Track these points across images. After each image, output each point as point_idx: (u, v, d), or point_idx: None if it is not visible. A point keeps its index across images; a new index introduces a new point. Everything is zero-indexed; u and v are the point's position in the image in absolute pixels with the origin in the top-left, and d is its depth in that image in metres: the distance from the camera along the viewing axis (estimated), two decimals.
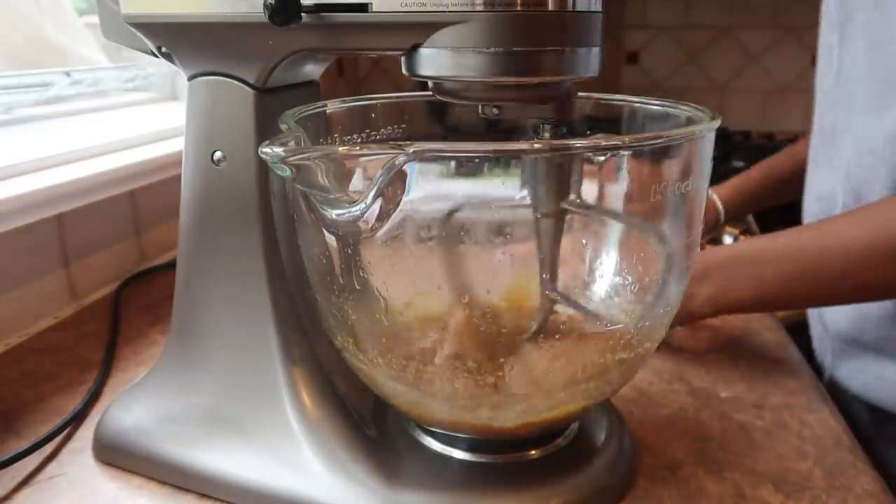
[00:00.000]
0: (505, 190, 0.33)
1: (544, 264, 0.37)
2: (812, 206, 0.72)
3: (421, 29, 0.33)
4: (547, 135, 0.37)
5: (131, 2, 0.39)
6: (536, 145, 0.33)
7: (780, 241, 0.55)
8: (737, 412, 0.50)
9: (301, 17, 0.34)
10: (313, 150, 0.31)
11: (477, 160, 0.33)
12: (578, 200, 0.36)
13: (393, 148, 0.29)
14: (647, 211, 0.35)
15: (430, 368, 0.37)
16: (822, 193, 0.69)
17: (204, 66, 0.40)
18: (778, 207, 1.30)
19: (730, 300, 0.54)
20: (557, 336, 0.38)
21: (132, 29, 0.40)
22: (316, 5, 0.34)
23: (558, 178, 0.36)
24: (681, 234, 0.37)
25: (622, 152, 0.33)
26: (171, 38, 0.40)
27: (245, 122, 0.39)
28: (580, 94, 0.48)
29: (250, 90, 0.39)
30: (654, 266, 0.37)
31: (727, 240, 1.03)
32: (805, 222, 0.77)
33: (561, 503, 0.38)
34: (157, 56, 0.42)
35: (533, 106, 0.36)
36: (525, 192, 0.36)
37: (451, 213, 0.36)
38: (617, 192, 0.34)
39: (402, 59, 0.35)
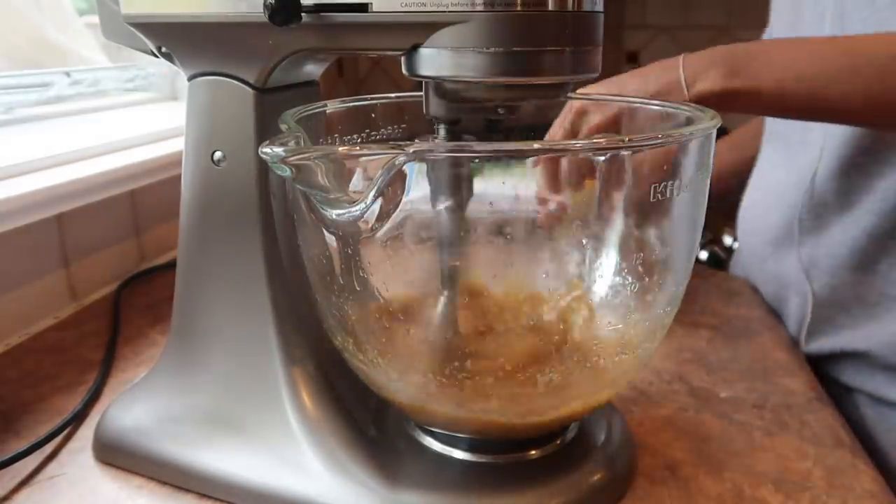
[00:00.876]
0: (505, 190, 0.33)
1: (450, 269, 0.37)
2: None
3: (421, 29, 0.33)
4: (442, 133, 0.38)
5: (131, 2, 0.39)
6: (536, 145, 0.33)
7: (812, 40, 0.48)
8: (737, 412, 0.50)
9: (301, 17, 0.34)
10: (313, 150, 0.31)
11: (477, 160, 0.33)
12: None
13: (393, 148, 0.29)
14: (647, 211, 0.35)
15: (431, 370, 0.37)
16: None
17: (204, 66, 0.40)
18: None
19: (745, 82, 0.47)
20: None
21: (132, 29, 0.40)
22: (316, 5, 0.34)
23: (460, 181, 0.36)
24: (681, 234, 0.37)
25: (622, 152, 0.33)
26: (171, 38, 0.40)
27: (245, 122, 0.39)
28: (580, 93, 0.48)
29: (250, 90, 0.39)
30: (654, 266, 0.37)
31: (727, 240, 1.03)
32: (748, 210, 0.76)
33: (561, 503, 0.38)
34: (157, 56, 0.42)
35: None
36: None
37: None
38: (617, 193, 0.34)
39: (402, 59, 0.35)
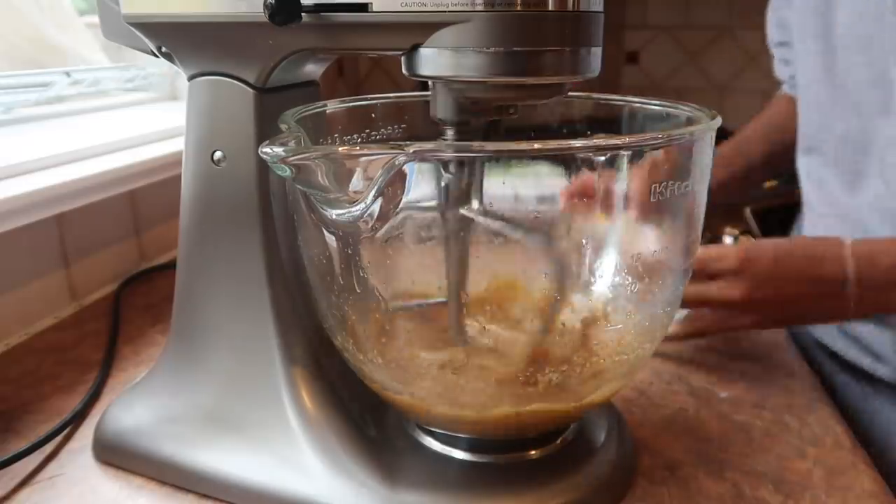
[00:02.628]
0: (505, 190, 0.33)
1: (450, 269, 0.37)
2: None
3: (421, 29, 0.33)
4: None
5: (131, 2, 0.39)
6: (536, 145, 0.33)
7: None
8: (737, 412, 0.50)
9: (301, 17, 0.34)
10: (313, 150, 0.31)
11: (477, 160, 0.33)
12: (480, 207, 0.36)
13: (393, 148, 0.29)
14: (647, 211, 0.35)
15: (431, 371, 0.37)
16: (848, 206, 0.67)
17: (204, 66, 0.40)
18: (779, 207, 1.29)
19: (801, 317, 0.53)
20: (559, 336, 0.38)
21: (132, 29, 0.40)
22: (316, 5, 0.34)
23: (461, 183, 0.36)
24: (681, 234, 0.37)
25: (622, 152, 0.33)
26: (171, 38, 0.40)
27: (245, 122, 0.39)
28: (580, 93, 0.48)
29: (250, 90, 0.39)
30: (654, 266, 0.37)
31: (727, 240, 1.03)
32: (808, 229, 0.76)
33: (561, 503, 0.38)
34: (157, 56, 0.42)
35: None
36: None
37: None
38: (617, 193, 0.34)
39: (403, 59, 0.35)
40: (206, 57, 0.39)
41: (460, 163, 0.35)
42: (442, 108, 0.37)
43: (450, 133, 0.38)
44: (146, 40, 0.41)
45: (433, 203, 0.36)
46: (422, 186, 0.33)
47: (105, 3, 0.43)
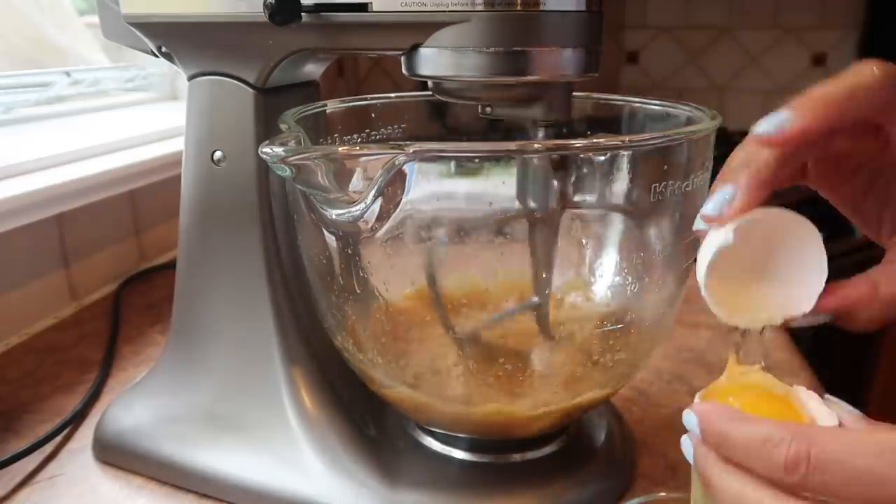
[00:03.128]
0: (505, 189, 0.33)
1: (539, 268, 0.37)
2: None
3: (421, 29, 0.33)
4: (541, 135, 0.37)
5: (131, 2, 0.39)
6: (536, 145, 0.33)
7: None
8: None
9: (301, 17, 0.34)
10: (313, 150, 0.31)
11: (477, 160, 0.33)
12: (576, 200, 0.36)
13: (393, 148, 0.29)
14: (647, 211, 0.35)
15: (431, 371, 0.37)
16: None
17: (204, 66, 0.40)
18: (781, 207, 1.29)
19: None
20: (558, 337, 0.38)
21: (132, 29, 0.40)
22: (316, 5, 0.34)
23: (550, 180, 0.36)
24: (681, 234, 0.37)
25: (622, 152, 0.33)
26: (171, 38, 0.40)
27: (245, 122, 0.39)
28: (580, 93, 0.48)
29: (250, 90, 0.39)
30: (654, 266, 0.37)
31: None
32: None
33: (561, 503, 0.38)
34: (157, 56, 0.42)
35: (527, 106, 0.36)
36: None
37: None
38: (617, 192, 0.34)
39: (402, 58, 0.35)
40: (206, 57, 0.39)
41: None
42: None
43: (541, 134, 0.37)
44: (146, 40, 0.41)
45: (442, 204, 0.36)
46: (422, 186, 0.33)
47: (105, 3, 0.43)
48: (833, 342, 1.27)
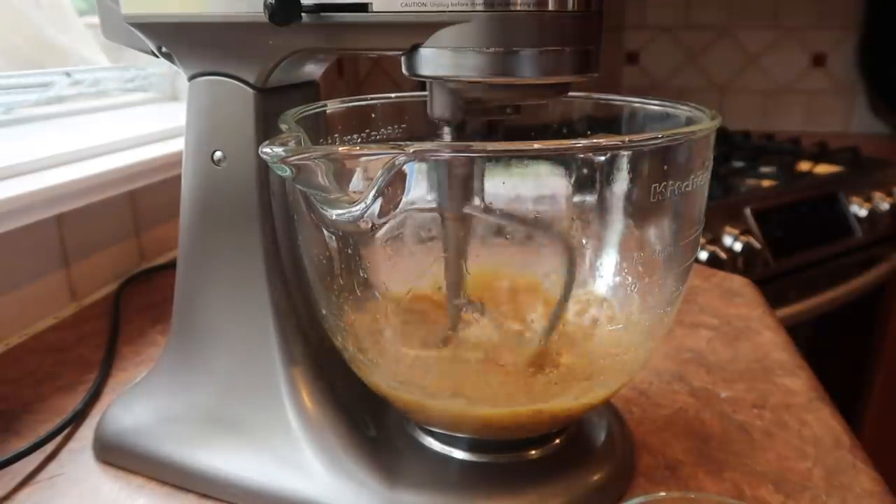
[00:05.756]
0: (505, 190, 0.33)
1: (448, 269, 0.36)
2: None
3: (421, 29, 0.33)
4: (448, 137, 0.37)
5: (131, 2, 0.39)
6: (536, 145, 0.33)
7: None
8: (737, 412, 0.50)
9: (301, 17, 0.34)
10: (313, 150, 0.31)
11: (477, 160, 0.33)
12: (482, 205, 0.36)
13: (393, 148, 0.29)
14: (647, 211, 0.35)
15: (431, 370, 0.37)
16: None
17: (204, 66, 0.40)
18: (779, 207, 1.29)
19: None
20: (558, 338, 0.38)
21: (132, 29, 0.40)
22: (316, 5, 0.34)
23: (462, 182, 0.36)
24: (681, 234, 0.37)
25: (622, 152, 0.33)
26: (171, 38, 0.40)
27: (245, 122, 0.39)
28: (579, 93, 0.48)
29: (250, 90, 0.39)
30: (654, 266, 0.37)
31: (727, 240, 1.03)
32: None
33: (561, 503, 0.38)
34: (157, 56, 0.42)
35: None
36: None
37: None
38: (617, 193, 0.34)
39: (403, 59, 0.35)
40: (206, 57, 0.39)
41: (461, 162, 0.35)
42: (440, 107, 0.37)
43: (447, 133, 0.38)
44: (146, 40, 0.41)
45: (434, 203, 0.36)
46: (422, 186, 0.33)
47: (105, 3, 0.43)
48: (833, 341, 1.27)
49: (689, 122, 0.39)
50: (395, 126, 0.46)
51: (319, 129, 0.43)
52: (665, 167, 0.34)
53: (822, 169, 1.44)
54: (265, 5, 0.34)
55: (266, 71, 0.38)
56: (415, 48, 0.34)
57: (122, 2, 0.39)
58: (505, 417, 0.37)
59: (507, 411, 0.37)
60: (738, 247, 1.15)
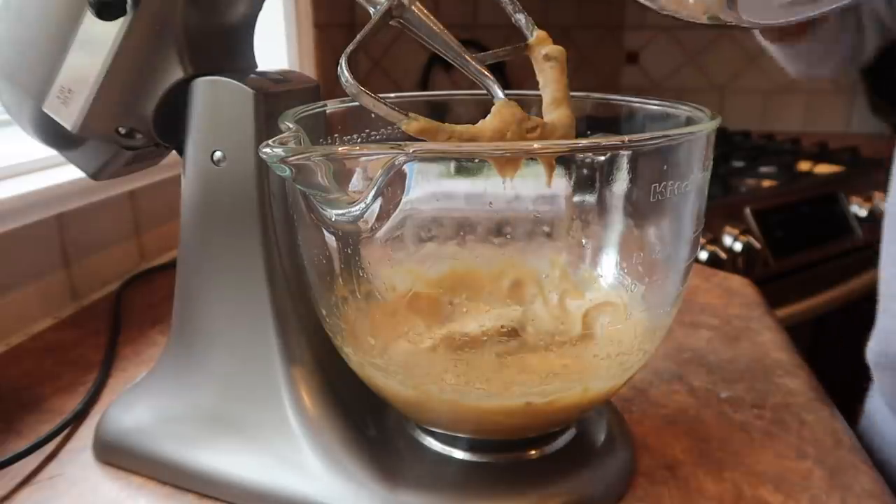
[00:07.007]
0: (505, 190, 0.33)
1: None
2: None
3: None
4: None
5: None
6: (536, 145, 0.33)
7: None
8: (737, 412, 0.50)
9: (126, 11, 0.34)
10: (313, 150, 0.31)
11: (477, 160, 0.33)
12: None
13: (393, 148, 0.29)
14: (646, 211, 0.35)
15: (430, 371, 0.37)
16: None
17: (204, 66, 0.40)
18: (779, 207, 1.29)
19: None
20: (558, 336, 0.38)
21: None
22: None
23: None
24: (681, 234, 0.37)
25: (622, 152, 0.33)
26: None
27: (245, 122, 0.39)
28: (580, 93, 0.48)
29: (250, 90, 0.39)
30: (654, 266, 0.37)
31: (727, 240, 1.03)
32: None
33: (561, 503, 0.38)
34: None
35: None
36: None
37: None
38: (617, 193, 0.34)
39: None
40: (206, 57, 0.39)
41: None
42: None
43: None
44: None
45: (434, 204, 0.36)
46: (422, 186, 0.33)
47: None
48: (833, 341, 1.27)
49: (689, 122, 0.39)
50: (395, 126, 0.46)
51: (319, 129, 0.43)
52: (665, 167, 0.34)
53: (822, 169, 1.44)
54: (90, 4, 0.33)
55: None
56: None
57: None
58: (504, 416, 0.37)
59: (506, 410, 0.37)
60: (738, 247, 1.15)
